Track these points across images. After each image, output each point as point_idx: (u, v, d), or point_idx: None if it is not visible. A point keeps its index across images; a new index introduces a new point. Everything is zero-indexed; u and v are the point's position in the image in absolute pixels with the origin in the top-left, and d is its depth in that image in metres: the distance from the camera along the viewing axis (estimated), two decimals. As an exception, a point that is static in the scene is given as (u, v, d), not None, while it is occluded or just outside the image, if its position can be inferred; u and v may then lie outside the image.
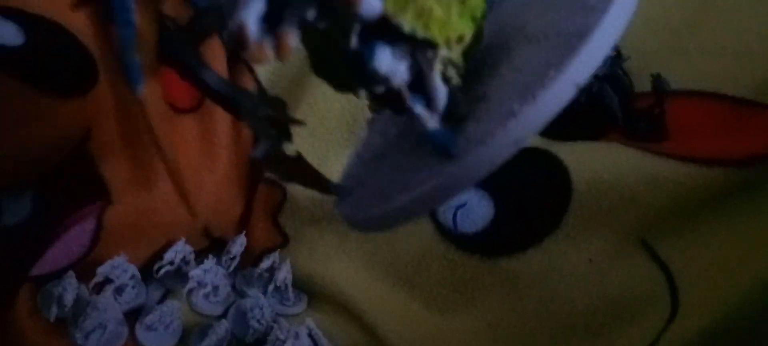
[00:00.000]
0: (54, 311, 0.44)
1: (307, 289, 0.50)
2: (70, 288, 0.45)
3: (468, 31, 0.30)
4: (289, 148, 0.31)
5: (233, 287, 0.50)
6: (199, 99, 0.52)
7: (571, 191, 0.44)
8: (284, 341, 0.42)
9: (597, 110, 0.47)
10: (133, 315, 0.47)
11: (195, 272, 0.47)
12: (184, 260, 0.49)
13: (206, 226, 0.52)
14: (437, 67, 0.29)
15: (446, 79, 0.30)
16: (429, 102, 0.29)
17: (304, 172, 0.34)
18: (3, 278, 0.45)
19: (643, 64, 0.50)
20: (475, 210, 0.45)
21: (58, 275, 0.47)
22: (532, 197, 0.46)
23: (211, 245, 0.53)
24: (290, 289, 0.48)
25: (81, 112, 0.49)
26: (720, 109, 0.47)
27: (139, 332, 0.45)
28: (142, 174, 0.50)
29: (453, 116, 0.30)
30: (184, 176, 0.49)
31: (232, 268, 0.51)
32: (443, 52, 0.29)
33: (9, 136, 0.46)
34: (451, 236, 0.46)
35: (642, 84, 0.49)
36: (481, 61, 0.32)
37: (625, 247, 0.44)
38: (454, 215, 0.45)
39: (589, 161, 0.45)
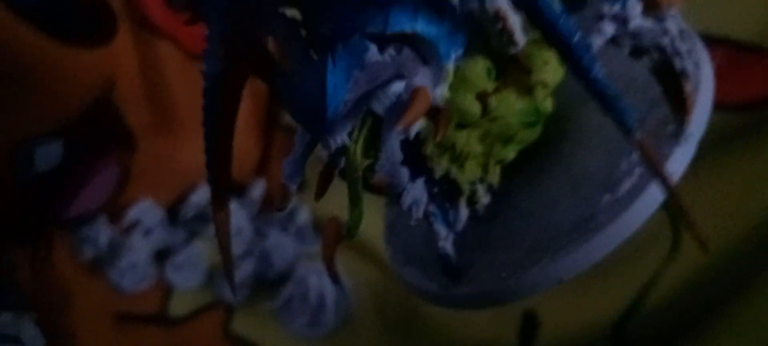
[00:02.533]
0: (89, 252, 0.47)
1: (325, 230, 0.52)
2: (103, 231, 0.47)
3: (512, 154, 0.28)
4: None
5: (256, 229, 0.53)
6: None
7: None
8: (307, 278, 0.44)
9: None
10: (161, 257, 0.50)
11: (219, 215, 0.49)
12: (206, 205, 0.51)
13: (227, 171, 0.54)
14: (465, 193, 0.28)
15: (473, 202, 0.28)
16: (449, 222, 0.28)
17: None
18: (39, 221, 0.48)
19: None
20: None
21: (88, 218, 0.49)
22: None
23: (232, 189, 0.55)
24: (310, 228, 0.51)
25: (104, 62, 0.50)
26: (725, 53, 0.48)
27: (169, 271, 0.48)
28: (164, 121, 0.52)
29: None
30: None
31: (254, 211, 0.53)
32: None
33: (36, 87, 0.48)
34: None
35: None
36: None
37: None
38: None
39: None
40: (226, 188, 0.23)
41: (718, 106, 0.45)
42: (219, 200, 0.22)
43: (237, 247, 0.51)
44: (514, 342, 0.43)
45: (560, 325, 0.42)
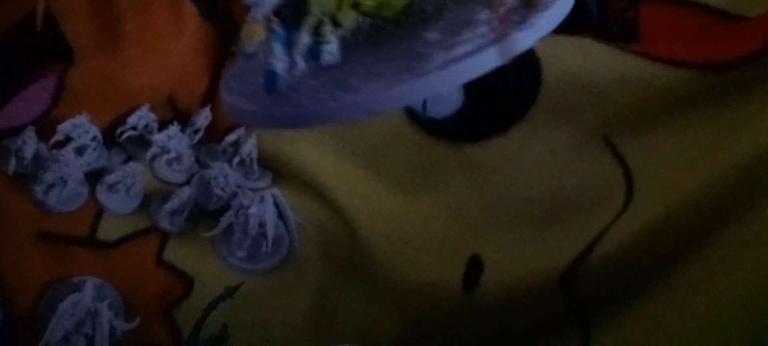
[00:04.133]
0: (12, 163, 0.43)
1: (272, 168, 0.50)
2: (29, 143, 0.44)
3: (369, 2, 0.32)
4: None
5: (197, 159, 0.50)
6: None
7: (541, 83, 0.45)
8: (248, 207, 0.42)
9: (574, 5, 0.47)
10: (94, 178, 0.46)
11: (158, 137, 0.46)
12: (147, 128, 0.48)
13: (171, 95, 0.51)
14: (311, 15, 0.30)
15: (318, 34, 0.31)
16: (287, 42, 0.31)
17: None
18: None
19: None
20: (445, 97, 0.45)
21: (17, 131, 0.46)
22: (501, 86, 0.46)
23: (176, 117, 0.52)
24: (255, 163, 0.48)
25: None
26: (693, 16, 0.48)
27: (100, 192, 0.45)
28: (106, 36, 0.48)
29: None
30: (149, 39, 0.48)
31: (196, 140, 0.50)
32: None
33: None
34: (419, 120, 0.46)
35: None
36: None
37: (587, 142, 0.45)
38: (424, 100, 0.45)
39: (561, 55, 0.45)
40: None
41: (683, 63, 0.44)
42: None
43: (177, 174, 0.48)
44: (458, 285, 0.42)
45: (507, 271, 0.41)
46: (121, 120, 0.48)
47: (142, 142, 0.49)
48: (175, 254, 0.44)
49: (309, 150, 0.49)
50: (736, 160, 0.40)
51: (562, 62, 0.45)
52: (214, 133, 0.51)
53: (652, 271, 0.40)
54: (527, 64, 0.45)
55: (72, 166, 0.44)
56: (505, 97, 0.46)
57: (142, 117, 0.48)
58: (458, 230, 0.44)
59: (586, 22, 0.47)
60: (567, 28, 0.47)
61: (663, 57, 0.44)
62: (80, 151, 0.46)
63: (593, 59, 0.45)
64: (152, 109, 0.50)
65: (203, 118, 0.50)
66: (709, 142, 0.43)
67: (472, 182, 0.46)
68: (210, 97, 0.53)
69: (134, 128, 0.48)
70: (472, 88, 0.46)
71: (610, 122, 0.45)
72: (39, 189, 0.43)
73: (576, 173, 0.45)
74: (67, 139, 0.46)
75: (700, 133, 0.43)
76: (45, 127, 0.46)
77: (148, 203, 0.46)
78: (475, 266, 0.42)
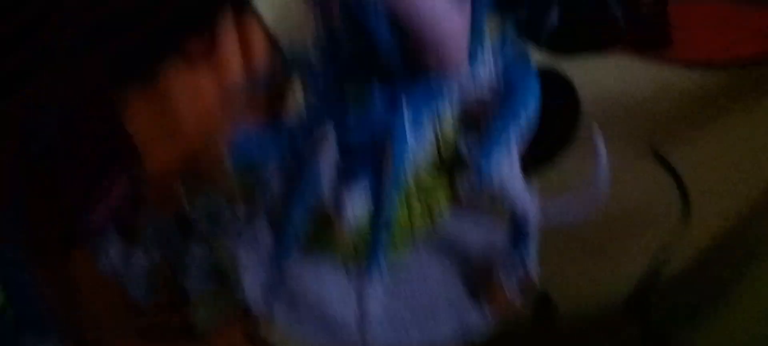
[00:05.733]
0: (103, 263, 0.48)
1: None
2: (114, 242, 0.48)
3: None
4: None
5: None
6: (213, 54, 0.53)
7: (579, 106, 0.46)
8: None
9: (601, 22, 0.48)
10: (173, 264, 0.50)
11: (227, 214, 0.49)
12: (216, 210, 0.51)
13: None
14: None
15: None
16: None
17: None
18: (58, 236, 0.49)
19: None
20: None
21: (102, 231, 0.50)
22: (541, 115, 0.47)
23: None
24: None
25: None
26: (721, 10, 0.47)
27: (186, 280, 0.49)
28: (166, 128, 0.52)
29: None
30: (206, 126, 0.51)
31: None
32: None
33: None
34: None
35: (645, -10, 0.50)
36: None
37: (636, 157, 0.46)
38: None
39: (595, 76, 0.46)
40: None
41: (720, 63, 0.44)
42: None
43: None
44: (529, 324, 0.43)
45: (576, 303, 0.42)
46: (191, 203, 0.52)
47: (213, 219, 0.52)
48: (267, 331, 0.47)
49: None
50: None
51: (598, 82, 0.45)
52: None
53: (720, 281, 0.40)
54: (562, 89, 0.46)
55: (154, 259, 0.47)
56: (547, 125, 0.47)
57: (211, 201, 0.51)
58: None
59: (616, 36, 0.48)
60: (597, 46, 0.48)
61: (700, 60, 0.44)
62: (158, 241, 0.50)
63: (629, 75, 0.45)
64: (218, 190, 0.53)
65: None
66: (761, 142, 0.43)
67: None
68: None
69: (204, 210, 0.51)
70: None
71: (657, 134, 0.45)
72: (131, 285, 0.47)
73: (628, 191, 0.45)
74: (146, 233, 0.50)
75: (749, 132, 0.43)
76: (125, 223, 0.50)
77: (226, 280, 0.50)
78: (543, 304, 0.43)
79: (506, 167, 0.28)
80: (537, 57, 0.49)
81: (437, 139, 0.27)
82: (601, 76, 0.46)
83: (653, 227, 0.44)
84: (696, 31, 0.48)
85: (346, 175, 0.27)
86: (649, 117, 0.45)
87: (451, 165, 0.29)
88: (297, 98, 0.52)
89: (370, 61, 0.25)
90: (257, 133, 0.29)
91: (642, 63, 0.46)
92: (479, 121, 0.27)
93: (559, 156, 0.47)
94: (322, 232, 0.28)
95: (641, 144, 0.46)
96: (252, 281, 0.31)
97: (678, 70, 0.44)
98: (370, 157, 0.26)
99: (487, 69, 0.26)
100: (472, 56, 0.26)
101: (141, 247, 0.48)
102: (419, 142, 0.26)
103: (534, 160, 0.47)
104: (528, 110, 0.26)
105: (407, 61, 0.25)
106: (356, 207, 0.26)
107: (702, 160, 0.44)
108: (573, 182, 0.47)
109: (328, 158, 0.26)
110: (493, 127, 0.26)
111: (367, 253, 0.26)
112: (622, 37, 0.48)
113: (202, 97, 0.52)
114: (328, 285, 0.32)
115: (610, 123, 0.46)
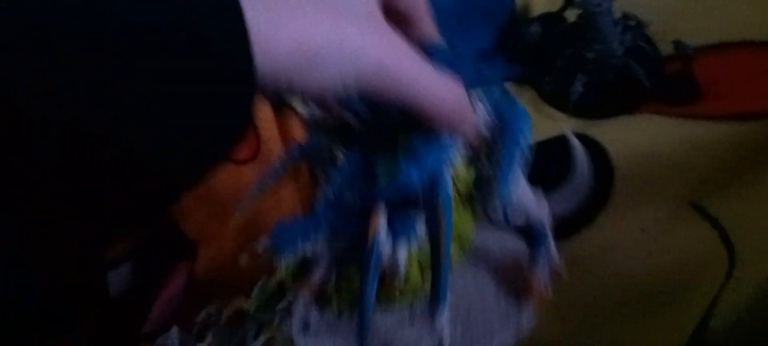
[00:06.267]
0: (167, 362, 0.50)
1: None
2: (175, 341, 0.50)
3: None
4: None
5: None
6: (256, 149, 0.56)
7: (613, 168, 0.46)
8: None
9: (626, 85, 0.49)
10: (234, 353, 0.52)
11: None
12: (272, 296, 0.53)
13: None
14: None
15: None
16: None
17: None
18: (119, 341, 0.52)
19: (667, 26, 0.52)
20: (524, 204, 0.48)
21: (164, 328, 0.52)
22: (575, 180, 0.48)
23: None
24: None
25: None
26: (747, 56, 0.48)
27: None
28: (218, 224, 0.55)
29: None
30: (254, 219, 0.54)
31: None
32: None
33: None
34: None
35: (669, 47, 0.51)
36: None
37: (675, 212, 0.46)
38: (504, 211, 0.48)
39: (624, 137, 0.47)
40: None
41: (751, 114, 0.45)
42: None
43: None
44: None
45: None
46: (248, 294, 0.54)
47: (270, 306, 0.54)
48: None
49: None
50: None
51: (627, 145, 0.46)
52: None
53: None
54: (594, 153, 0.47)
55: (215, 353, 0.49)
56: (582, 192, 0.48)
57: (264, 289, 0.54)
58: (570, 330, 0.46)
59: (642, 97, 0.49)
60: (625, 108, 0.49)
61: (729, 113, 0.45)
62: (221, 338, 0.52)
63: (658, 134, 0.46)
64: (270, 278, 0.55)
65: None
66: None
67: (572, 278, 0.47)
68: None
69: (259, 299, 0.54)
70: (547, 188, 0.49)
71: (695, 189, 0.45)
72: (193, 381, 0.49)
73: (672, 246, 0.46)
74: (206, 328, 0.52)
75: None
76: (186, 320, 0.53)
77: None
78: None
79: (519, 186, 0.32)
80: (566, 124, 0.51)
81: (454, 180, 0.31)
82: (630, 138, 0.47)
83: (699, 279, 0.44)
84: (725, 81, 0.48)
85: (393, 234, 0.29)
86: (684, 172, 0.45)
87: (468, 198, 0.33)
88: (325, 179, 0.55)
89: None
90: (295, 220, 0.32)
91: (673, 120, 0.47)
92: (481, 154, 0.32)
93: (599, 217, 0.47)
94: (380, 291, 0.30)
95: (680, 198, 0.46)
96: None
97: (707, 126, 0.45)
98: (413, 212, 0.29)
99: (481, 110, 0.31)
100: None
101: (203, 342, 0.50)
102: None
103: (575, 224, 0.48)
104: (524, 133, 0.31)
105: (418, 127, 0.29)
106: (403, 258, 0.30)
107: (742, 209, 0.44)
108: (612, 242, 0.47)
109: (382, 228, 0.29)
110: (501, 156, 0.31)
111: (433, 293, 0.28)
112: (648, 97, 0.49)
113: (247, 194, 0.55)
114: (397, 336, 0.35)
115: (646, 183, 0.47)
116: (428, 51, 0.30)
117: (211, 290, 0.54)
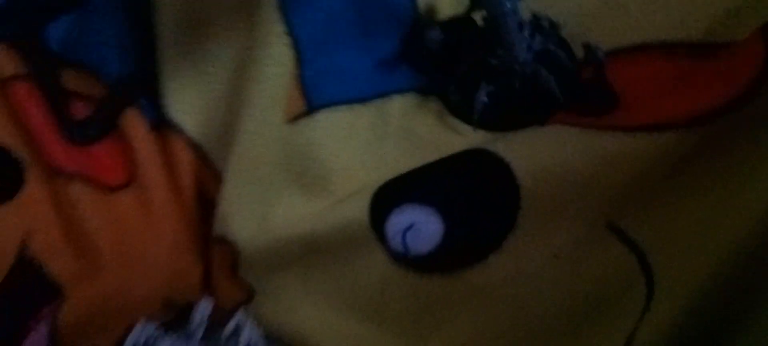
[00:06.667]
0: None
1: (278, 339, 0.48)
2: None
3: None
4: None
5: (205, 354, 0.48)
6: (131, 174, 0.50)
7: (518, 187, 0.41)
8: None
9: (535, 94, 0.44)
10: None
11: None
12: (147, 342, 0.47)
13: (168, 297, 0.50)
14: None
15: None
16: None
17: None
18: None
19: (583, 27, 0.47)
20: (423, 229, 0.43)
21: (25, 385, 0.46)
22: (479, 201, 0.43)
23: (180, 314, 0.51)
24: (260, 343, 0.47)
25: (14, 217, 0.48)
26: (668, 61, 0.44)
27: None
28: (88, 264, 0.48)
29: None
30: (128, 254, 0.48)
31: (200, 334, 0.49)
32: None
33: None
34: (405, 260, 0.44)
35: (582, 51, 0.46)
36: None
37: (590, 234, 0.41)
38: (403, 238, 0.43)
39: (531, 152, 0.42)
40: None
41: (667, 125, 0.40)
42: None
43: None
44: None
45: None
46: (122, 343, 0.48)
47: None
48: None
49: (308, 315, 0.47)
50: (755, 215, 0.36)
51: (535, 161, 0.41)
52: (219, 315, 0.50)
53: None
54: (497, 171, 0.42)
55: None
56: (487, 211, 0.43)
57: (141, 334, 0.47)
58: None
59: (555, 107, 0.44)
60: (535, 120, 0.45)
61: (644, 123, 0.40)
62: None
63: (568, 148, 0.41)
64: (151, 317, 0.49)
65: (202, 309, 0.49)
66: (722, 201, 0.38)
67: (480, 310, 0.43)
68: (206, 283, 0.52)
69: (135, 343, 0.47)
70: (448, 212, 0.43)
71: (611, 208, 0.41)
72: None
73: (588, 271, 0.41)
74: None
75: (709, 193, 0.39)
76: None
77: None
78: None
79: None
80: (472, 138, 0.46)
81: None
82: (536, 154, 0.42)
83: (617, 307, 0.39)
84: (642, 87, 0.44)
85: None
86: (597, 188, 0.41)
87: None
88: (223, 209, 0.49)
89: None
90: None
91: (585, 132, 0.42)
92: None
93: (506, 241, 0.42)
94: None
95: (595, 219, 0.41)
96: None
97: (619, 138, 0.40)
98: None
99: None
100: None
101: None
102: None
103: (479, 248, 0.43)
104: None
105: None
106: None
107: (661, 229, 0.40)
108: (522, 269, 0.42)
109: None
110: None
111: None
112: (560, 107, 0.44)
113: (123, 225, 0.49)
114: None
115: (557, 202, 0.42)
116: None
117: (83, 334, 0.48)
